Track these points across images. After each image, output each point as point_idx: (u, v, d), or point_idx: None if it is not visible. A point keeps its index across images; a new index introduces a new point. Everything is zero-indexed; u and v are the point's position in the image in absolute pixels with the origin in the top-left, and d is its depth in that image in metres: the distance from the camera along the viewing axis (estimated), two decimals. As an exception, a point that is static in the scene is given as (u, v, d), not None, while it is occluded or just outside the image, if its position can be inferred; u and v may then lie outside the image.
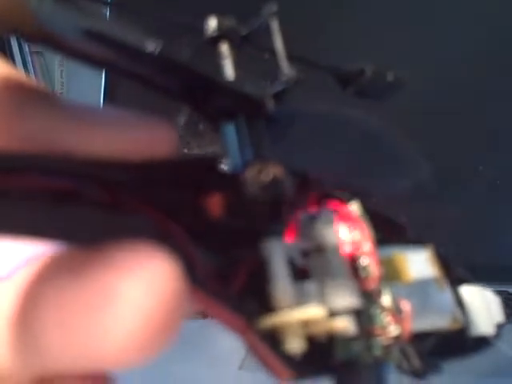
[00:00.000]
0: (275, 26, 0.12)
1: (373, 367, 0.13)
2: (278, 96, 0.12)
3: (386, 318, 0.13)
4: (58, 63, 0.63)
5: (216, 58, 0.12)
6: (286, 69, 0.12)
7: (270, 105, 0.12)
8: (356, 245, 0.14)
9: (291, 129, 0.13)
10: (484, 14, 0.45)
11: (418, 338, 0.14)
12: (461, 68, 0.45)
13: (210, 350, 0.52)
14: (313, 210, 0.13)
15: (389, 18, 0.45)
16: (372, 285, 0.13)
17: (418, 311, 0.14)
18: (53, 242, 0.10)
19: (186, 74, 0.11)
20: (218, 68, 0.12)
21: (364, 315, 0.13)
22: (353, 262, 0.13)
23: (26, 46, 0.61)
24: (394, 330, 0.13)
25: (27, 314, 0.10)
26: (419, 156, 0.16)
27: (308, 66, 0.13)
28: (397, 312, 0.13)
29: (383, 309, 0.13)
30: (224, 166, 0.12)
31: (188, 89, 0.12)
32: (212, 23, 0.12)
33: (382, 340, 0.13)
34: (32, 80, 0.11)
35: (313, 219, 0.13)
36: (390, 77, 0.15)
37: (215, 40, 0.13)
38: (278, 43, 0.12)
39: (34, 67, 0.58)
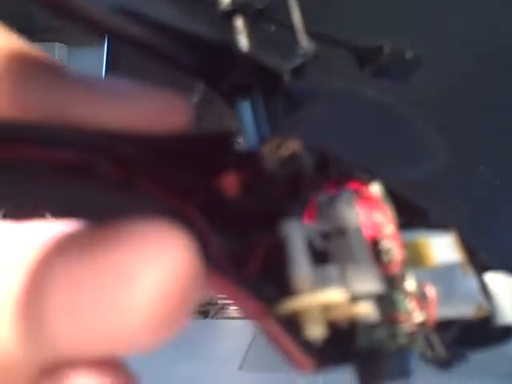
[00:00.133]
0: (292, -2, 0.12)
1: (396, 355, 0.13)
2: (295, 71, 0.12)
3: (410, 304, 0.13)
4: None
5: (231, 32, 0.12)
6: (305, 42, 0.12)
7: (288, 79, 0.12)
8: (378, 227, 0.13)
9: (309, 105, 0.12)
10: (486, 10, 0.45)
11: (442, 325, 0.13)
12: (461, 67, 0.44)
13: (210, 349, 0.52)
14: (333, 190, 0.13)
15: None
16: (395, 269, 0.13)
17: (443, 297, 0.13)
18: (62, 219, 0.10)
19: (203, 46, 0.11)
20: (234, 41, 0.12)
21: (387, 300, 0.13)
22: (375, 245, 0.13)
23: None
24: (418, 316, 0.13)
25: (34, 298, 0.10)
26: (438, 141, 0.15)
27: (326, 41, 0.13)
28: (421, 297, 0.13)
29: (407, 294, 0.13)
30: (240, 143, 0.12)
31: (204, 64, 0.11)
32: (226, -3, 0.12)
33: (406, 327, 0.13)
34: (38, 51, 0.11)
35: (333, 200, 0.13)
36: (408, 55, 0.14)
37: (229, 14, 0.12)
38: (296, 17, 0.12)
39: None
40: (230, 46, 0.11)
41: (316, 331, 0.11)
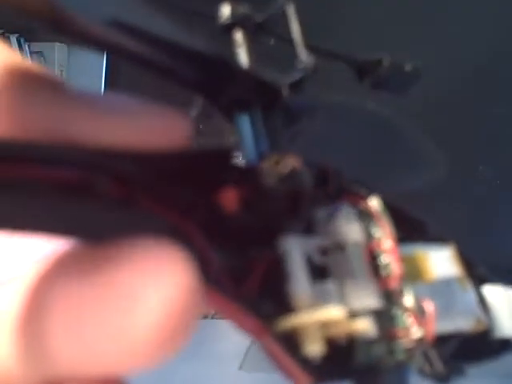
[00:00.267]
0: (291, 12, 0.12)
1: (394, 371, 0.13)
2: (294, 85, 0.12)
3: (408, 320, 0.13)
4: (57, 63, 0.63)
5: (230, 46, 0.12)
6: (304, 56, 0.12)
7: (287, 94, 0.12)
8: (376, 242, 0.13)
9: (308, 120, 0.12)
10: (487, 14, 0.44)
11: (441, 340, 0.13)
12: (461, 68, 0.44)
13: (210, 349, 0.52)
14: (332, 205, 0.13)
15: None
16: (393, 284, 0.13)
17: (442, 312, 0.13)
18: (61, 238, 0.10)
19: (202, 61, 0.11)
20: (233, 56, 0.12)
21: (385, 316, 0.13)
22: (373, 260, 0.13)
23: (26, 46, 0.61)
24: (416, 331, 0.13)
25: (34, 317, 0.09)
26: (437, 153, 0.15)
27: (325, 54, 0.12)
28: (419, 313, 0.13)
29: (405, 309, 0.13)
30: (239, 159, 0.12)
31: (203, 78, 0.11)
32: (225, 10, 0.12)
33: (404, 343, 0.13)
34: (39, 67, 0.11)
35: (332, 215, 0.13)
36: (407, 67, 0.14)
37: (229, 28, 0.12)
38: (295, 30, 0.12)
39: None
40: (229, 60, 0.11)
41: (314, 348, 0.11)
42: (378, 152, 0.14)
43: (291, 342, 0.11)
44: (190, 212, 0.11)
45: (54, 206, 0.10)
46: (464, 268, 0.14)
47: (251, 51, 0.12)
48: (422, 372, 0.13)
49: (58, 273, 0.10)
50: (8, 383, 0.10)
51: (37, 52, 0.63)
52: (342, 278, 0.12)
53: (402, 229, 0.14)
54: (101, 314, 0.09)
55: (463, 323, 0.14)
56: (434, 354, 0.13)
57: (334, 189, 0.13)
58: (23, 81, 0.10)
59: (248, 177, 0.11)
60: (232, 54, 0.12)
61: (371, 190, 0.13)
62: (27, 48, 0.62)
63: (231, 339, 0.54)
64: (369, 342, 0.12)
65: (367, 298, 0.12)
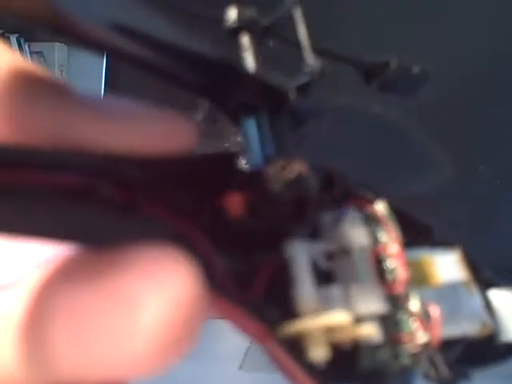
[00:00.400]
0: (298, 15, 0.12)
1: (400, 376, 0.12)
2: (301, 89, 0.11)
3: (414, 324, 0.13)
4: (57, 63, 0.62)
5: (237, 50, 0.12)
6: (311, 60, 0.11)
7: (294, 98, 0.11)
8: (382, 246, 0.13)
9: (315, 124, 0.12)
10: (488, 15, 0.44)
11: (446, 344, 0.13)
12: (460, 68, 0.44)
13: (210, 349, 0.52)
14: (338, 209, 0.13)
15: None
16: (399, 289, 0.13)
17: (447, 317, 0.13)
18: (64, 243, 0.10)
19: (208, 65, 0.11)
20: (239, 60, 0.11)
21: (391, 321, 0.12)
22: (379, 264, 0.13)
23: (26, 46, 0.61)
24: (422, 336, 0.13)
25: (37, 323, 0.09)
26: (442, 156, 0.15)
27: (332, 58, 0.12)
28: (425, 318, 0.13)
29: (411, 314, 0.13)
30: (245, 163, 0.12)
31: (209, 82, 0.11)
32: (232, 14, 0.12)
33: (409, 347, 0.12)
34: (43, 70, 0.11)
35: (338, 219, 0.13)
36: (415, 70, 0.14)
37: (236, 31, 0.12)
38: (302, 33, 0.12)
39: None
40: (235, 64, 0.11)
41: (319, 353, 0.11)
42: (384, 155, 0.14)
43: (296, 346, 0.11)
44: (194, 217, 0.11)
45: (57, 211, 0.10)
46: (470, 272, 0.14)
47: (258, 55, 0.12)
48: (427, 377, 0.13)
49: (61, 278, 0.10)
50: None
51: (37, 52, 0.63)
52: (347, 282, 0.12)
53: (408, 233, 0.13)
54: (102, 319, 0.09)
55: (469, 327, 0.14)
56: (439, 359, 0.13)
57: (340, 193, 0.13)
58: (26, 85, 0.10)
59: (253, 181, 0.11)
60: (238, 58, 0.11)
61: (377, 194, 0.13)
62: (27, 48, 0.62)
63: (231, 339, 0.54)
64: (374, 347, 0.12)
65: (373, 303, 0.12)
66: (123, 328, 0.09)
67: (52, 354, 0.09)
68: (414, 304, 0.13)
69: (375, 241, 0.13)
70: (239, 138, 0.11)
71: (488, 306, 0.14)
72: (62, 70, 0.63)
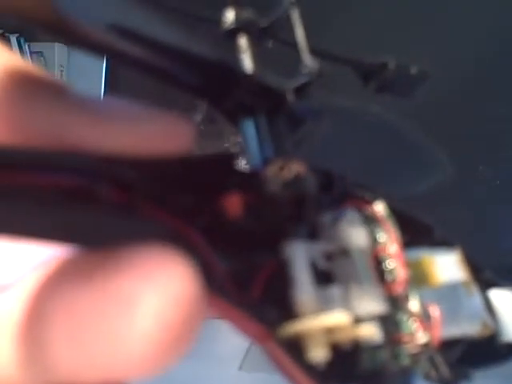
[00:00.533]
0: (296, 16, 0.12)
1: (400, 377, 0.12)
2: (299, 90, 0.11)
3: (414, 325, 0.13)
4: (57, 63, 0.63)
5: (235, 51, 0.12)
6: (309, 61, 0.11)
7: (292, 99, 0.11)
8: (382, 247, 0.13)
9: (313, 125, 0.12)
10: (486, 15, 0.44)
11: (446, 345, 0.13)
12: (460, 68, 0.44)
13: (210, 350, 0.52)
14: (337, 210, 0.13)
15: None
16: (399, 289, 0.13)
17: (447, 317, 0.13)
18: (62, 244, 0.10)
19: (206, 67, 0.11)
20: (237, 62, 0.11)
21: (390, 321, 0.12)
22: (378, 264, 0.13)
23: (26, 46, 0.61)
24: (422, 337, 0.13)
25: (35, 324, 0.09)
26: (443, 157, 0.15)
27: (329, 59, 0.12)
28: (425, 318, 0.13)
29: (411, 314, 0.13)
30: (243, 164, 0.12)
31: (207, 83, 0.11)
32: (230, 15, 0.12)
33: (409, 348, 0.12)
34: (40, 71, 0.11)
35: (337, 220, 0.13)
36: (413, 70, 0.14)
37: (233, 33, 0.12)
38: (300, 35, 0.12)
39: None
40: (233, 65, 0.11)
41: (319, 354, 0.11)
42: (383, 156, 0.14)
43: (295, 347, 0.11)
44: (193, 217, 0.11)
45: (55, 212, 0.10)
46: (470, 272, 0.14)
47: (255, 56, 0.12)
48: (427, 377, 0.13)
49: (58, 280, 0.10)
50: None
51: (37, 52, 0.63)
52: (346, 283, 0.12)
53: (408, 233, 0.13)
54: (100, 320, 0.09)
55: (469, 328, 0.14)
56: (439, 359, 0.13)
57: (338, 193, 0.13)
58: (24, 85, 0.10)
59: (252, 182, 0.11)
60: (236, 60, 0.11)
61: (376, 195, 0.13)
62: (27, 48, 0.62)
63: (231, 340, 0.54)
64: (374, 348, 0.12)
65: (372, 304, 0.12)
66: (121, 328, 0.09)
67: (50, 355, 0.09)
68: (414, 304, 0.13)
69: (374, 241, 0.13)
70: (239, 139, 0.11)
71: (489, 306, 0.14)
72: (62, 71, 0.63)
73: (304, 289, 0.12)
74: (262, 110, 0.12)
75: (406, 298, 0.13)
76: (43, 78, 0.11)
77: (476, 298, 0.14)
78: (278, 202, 0.11)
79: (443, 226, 0.15)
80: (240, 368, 0.51)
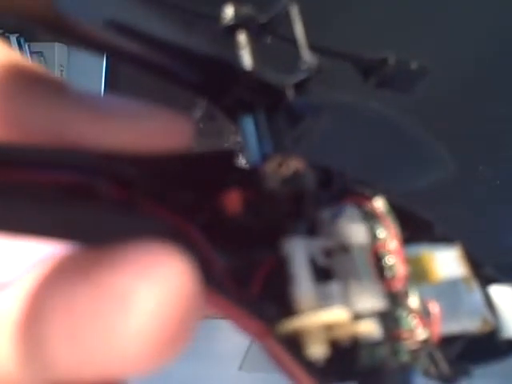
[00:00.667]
0: (295, 12, 0.12)
1: (399, 373, 0.12)
2: (298, 86, 0.11)
3: (413, 321, 0.13)
4: (57, 63, 0.63)
5: (234, 47, 0.12)
6: (308, 57, 0.11)
7: (291, 95, 0.11)
8: (381, 243, 0.13)
9: (313, 121, 0.12)
10: (486, 15, 0.44)
11: (446, 341, 0.13)
12: (460, 68, 0.44)
13: (210, 349, 0.51)
14: (336, 206, 0.13)
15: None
16: (398, 285, 0.13)
17: (447, 313, 0.13)
18: (62, 242, 0.10)
19: (205, 63, 0.11)
20: (236, 58, 0.11)
21: (390, 318, 0.12)
22: (378, 261, 0.13)
23: (26, 46, 0.61)
24: (421, 333, 0.13)
25: (33, 322, 0.09)
26: (445, 154, 0.15)
27: (329, 54, 0.12)
28: (424, 314, 0.13)
29: (410, 311, 0.13)
30: (242, 161, 0.12)
31: (206, 80, 0.11)
32: (229, 11, 0.12)
33: (408, 344, 0.12)
34: (39, 67, 0.11)
35: (336, 216, 0.13)
36: (413, 65, 0.14)
37: (232, 29, 0.12)
38: (299, 31, 0.12)
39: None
40: (232, 62, 0.11)
41: (318, 350, 0.11)
42: (382, 152, 0.14)
43: (295, 344, 0.11)
44: (192, 214, 0.11)
45: (54, 209, 0.10)
46: (470, 268, 0.14)
47: (255, 52, 0.12)
48: (427, 373, 0.13)
49: (57, 277, 0.10)
50: None
51: (37, 52, 0.63)
52: (346, 279, 0.12)
53: (408, 229, 0.13)
54: (97, 317, 0.09)
55: (469, 324, 0.14)
56: (439, 356, 0.13)
57: (338, 189, 0.13)
58: (23, 81, 0.10)
59: (251, 179, 0.11)
60: (235, 56, 0.11)
61: (376, 191, 0.13)
62: (27, 48, 0.62)
63: (231, 339, 0.53)
64: (373, 344, 0.12)
65: (371, 300, 0.12)
66: (115, 325, 0.09)
67: (49, 353, 0.09)
68: (414, 300, 0.13)
69: (374, 237, 0.13)
70: (238, 138, 0.11)
71: (489, 302, 0.14)
72: (62, 70, 0.63)
73: (303, 285, 0.12)
74: (261, 106, 0.12)
75: (405, 295, 0.13)
76: (42, 75, 0.11)
77: (476, 294, 0.14)
78: (277, 199, 0.11)
79: (443, 224, 0.15)
80: (240, 368, 0.51)
